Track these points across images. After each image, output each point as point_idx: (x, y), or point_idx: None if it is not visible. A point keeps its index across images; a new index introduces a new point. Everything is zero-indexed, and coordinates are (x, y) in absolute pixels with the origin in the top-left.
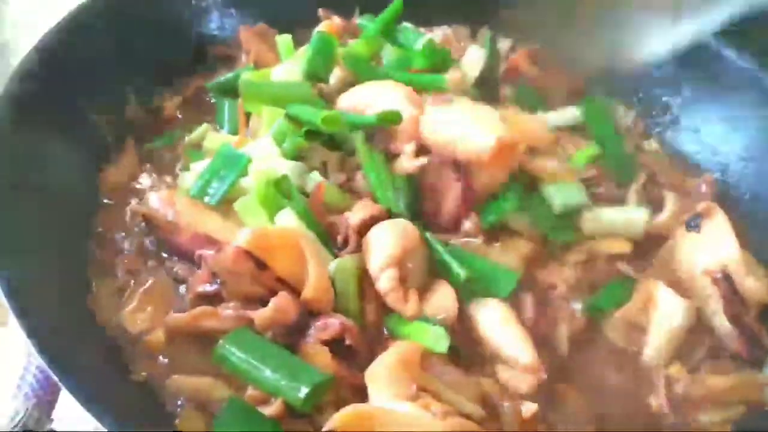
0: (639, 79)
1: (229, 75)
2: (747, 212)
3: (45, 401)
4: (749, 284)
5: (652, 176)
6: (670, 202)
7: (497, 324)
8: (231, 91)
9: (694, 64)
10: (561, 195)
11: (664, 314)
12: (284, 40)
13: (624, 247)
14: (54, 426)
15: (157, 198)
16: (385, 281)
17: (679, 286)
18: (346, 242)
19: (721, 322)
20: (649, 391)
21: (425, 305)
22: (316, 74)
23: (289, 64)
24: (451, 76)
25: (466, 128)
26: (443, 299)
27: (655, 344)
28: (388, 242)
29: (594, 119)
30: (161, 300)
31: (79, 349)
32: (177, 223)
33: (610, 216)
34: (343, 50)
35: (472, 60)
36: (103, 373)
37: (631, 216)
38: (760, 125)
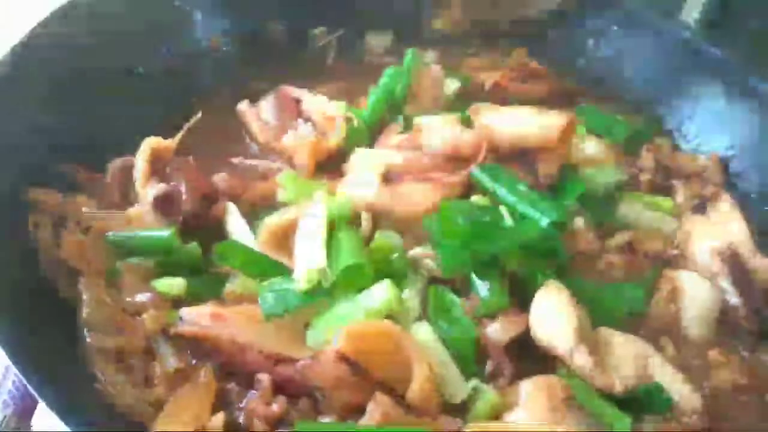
0: (624, 79)
1: None
2: None
3: (23, 408)
4: (757, 261)
5: (658, 162)
6: (680, 188)
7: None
8: None
9: (677, 60)
10: (603, 176)
11: (692, 298)
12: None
13: (667, 245)
14: None
15: (199, 314)
16: (583, 361)
17: (692, 269)
18: (498, 369)
19: (731, 300)
20: None
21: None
22: None
23: None
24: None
25: (528, 120)
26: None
27: (692, 329)
28: (563, 314)
29: (588, 115)
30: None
31: (56, 358)
32: (239, 342)
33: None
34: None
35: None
36: (79, 382)
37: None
38: (743, 121)
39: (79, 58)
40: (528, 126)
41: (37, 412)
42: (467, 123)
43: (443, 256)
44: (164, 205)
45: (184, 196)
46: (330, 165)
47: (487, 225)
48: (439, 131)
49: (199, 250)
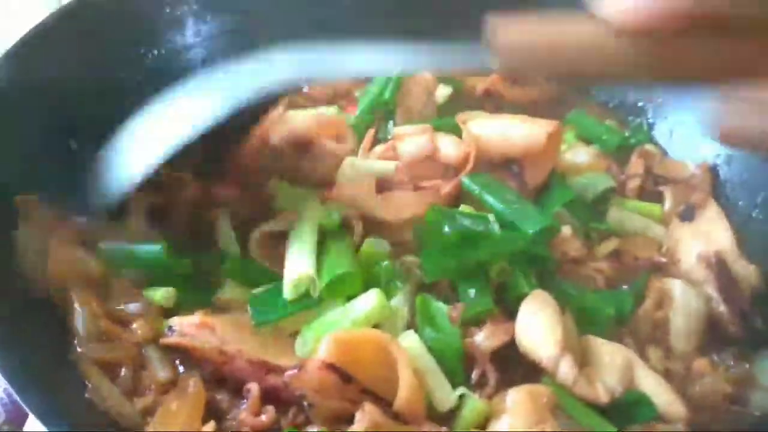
0: (614, 86)
1: None
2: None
3: (16, 416)
4: (741, 268)
5: (648, 169)
6: (669, 195)
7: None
8: None
9: None
10: (592, 183)
11: (681, 306)
12: None
13: (655, 252)
14: None
15: (189, 324)
16: (567, 371)
17: (680, 276)
18: (484, 377)
19: (718, 308)
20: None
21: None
22: None
23: None
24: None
25: (515, 128)
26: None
27: (680, 337)
28: (548, 324)
29: (579, 123)
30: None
31: (45, 367)
32: (227, 352)
33: (635, 218)
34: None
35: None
36: (69, 391)
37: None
38: None
39: (63, 68)
40: (514, 134)
41: (29, 420)
42: (455, 131)
43: (425, 261)
44: (158, 216)
45: (178, 207)
46: None
47: (473, 232)
48: (414, 139)
49: (190, 264)
